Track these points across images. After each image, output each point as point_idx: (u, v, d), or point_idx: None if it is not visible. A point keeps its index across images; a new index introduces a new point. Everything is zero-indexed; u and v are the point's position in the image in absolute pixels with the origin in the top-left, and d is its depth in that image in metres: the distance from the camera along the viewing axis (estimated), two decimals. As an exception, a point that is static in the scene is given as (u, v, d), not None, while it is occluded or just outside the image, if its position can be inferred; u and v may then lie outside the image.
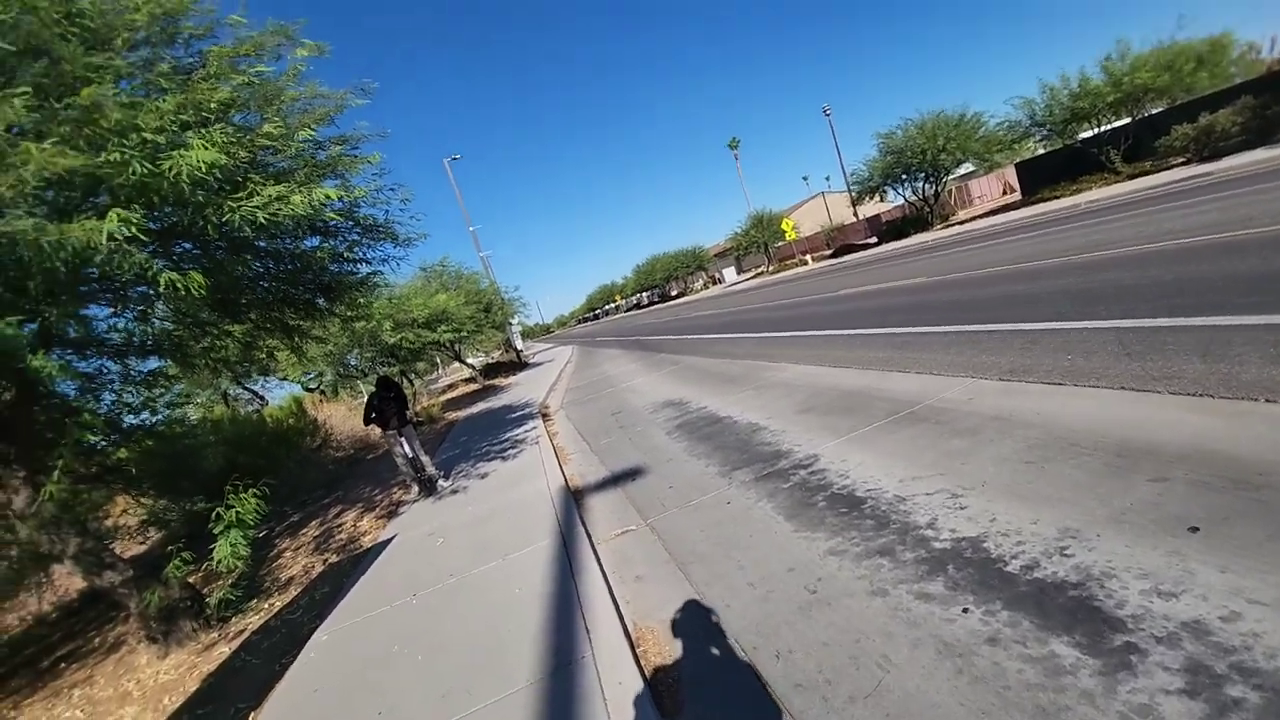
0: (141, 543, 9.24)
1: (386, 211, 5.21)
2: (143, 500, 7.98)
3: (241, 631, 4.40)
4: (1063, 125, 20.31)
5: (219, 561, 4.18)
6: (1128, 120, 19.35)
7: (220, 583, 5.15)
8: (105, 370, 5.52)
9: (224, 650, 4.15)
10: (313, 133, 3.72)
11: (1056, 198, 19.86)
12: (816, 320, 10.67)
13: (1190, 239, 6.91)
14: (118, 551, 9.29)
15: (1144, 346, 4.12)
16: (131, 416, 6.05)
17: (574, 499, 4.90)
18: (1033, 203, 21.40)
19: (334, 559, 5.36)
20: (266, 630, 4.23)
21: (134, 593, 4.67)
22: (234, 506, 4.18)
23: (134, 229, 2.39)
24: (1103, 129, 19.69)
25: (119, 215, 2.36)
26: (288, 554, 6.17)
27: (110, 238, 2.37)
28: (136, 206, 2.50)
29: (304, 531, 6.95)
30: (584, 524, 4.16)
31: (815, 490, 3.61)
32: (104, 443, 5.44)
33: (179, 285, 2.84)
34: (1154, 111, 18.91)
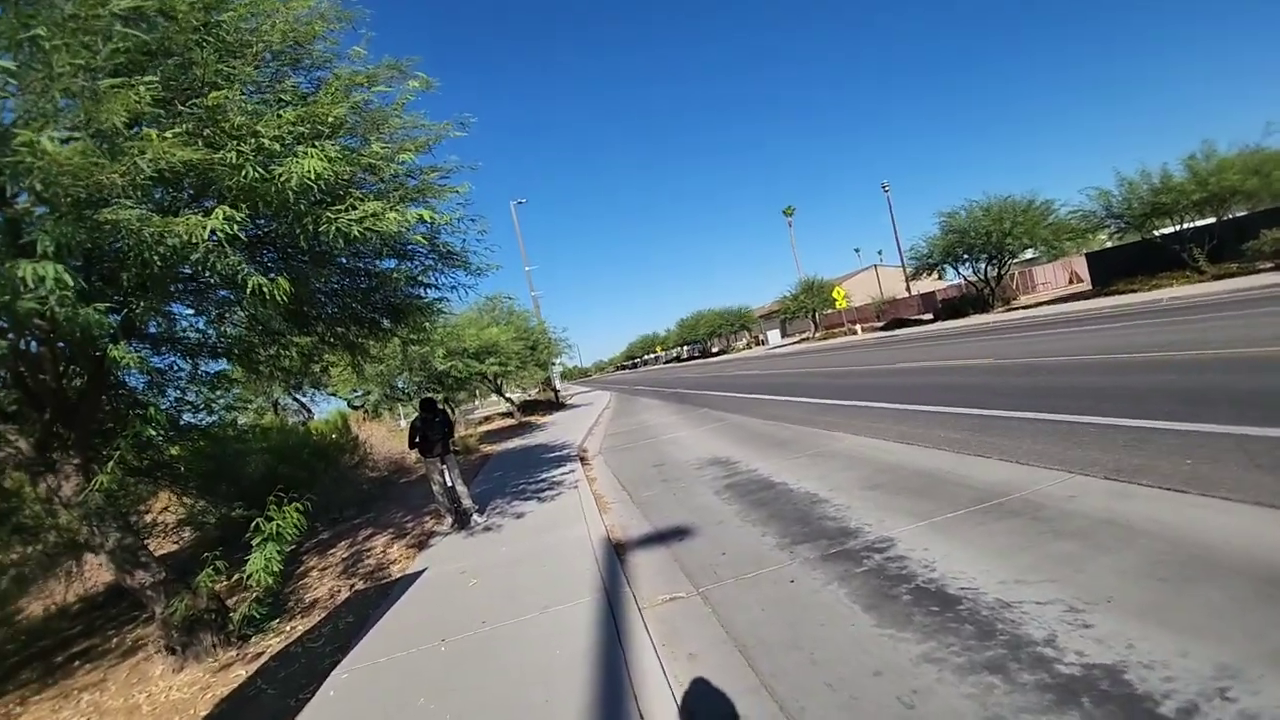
0: (175, 542, 9.30)
1: (464, 240, 5.29)
2: (185, 499, 8.07)
3: (260, 654, 4.19)
4: (1141, 219, 19.62)
5: (251, 574, 4.04)
6: (1212, 220, 18.55)
7: (245, 597, 5.00)
8: (176, 367, 5.66)
9: (240, 673, 3.94)
10: (412, 156, 3.81)
11: (1133, 291, 18.96)
12: (873, 392, 10.21)
13: (1309, 346, 6.31)
14: (151, 549, 9.38)
15: (1275, 459, 3.63)
16: (190, 415, 6.16)
17: (616, 553, 4.60)
18: (1105, 294, 20.51)
19: (361, 586, 5.15)
20: (286, 657, 4.01)
21: (161, 597, 4.56)
22: (275, 519, 4.07)
23: (235, 229, 2.41)
24: (1184, 226, 18.91)
25: (224, 213, 2.38)
26: (314, 573, 6.01)
27: (211, 234, 2.39)
28: (242, 208, 2.53)
29: (333, 551, 6.81)
30: (629, 584, 3.84)
31: (896, 580, 3.21)
32: (160, 438, 5.52)
33: (265, 290, 2.84)
34: (1239, 214, 18.10)
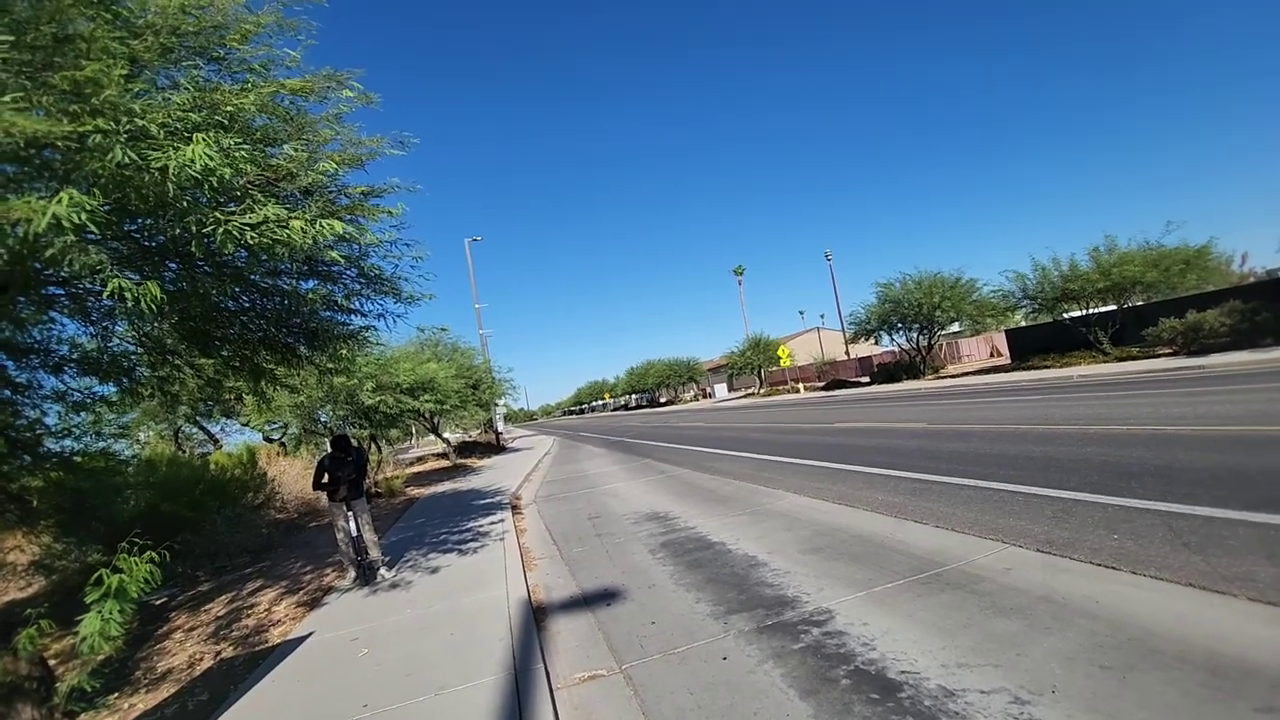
0: (23, 587, 7.95)
1: (396, 265, 4.92)
2: (38, 539, 6.93)
3: (82, 738, 3.41)
4: (1053, 302, 21.37)
5: (83, 639, 3.31)
6: (1114, 307, 20.40)
7: (81, 663, 4.15)
8: (37, 383, 4.91)
9: (48, 764, 3.17)
10: (333, 166, 3.49)
11: (1047, 367, 20.37)
12: (814, 450, 10.22)
13: (1207, 427, 6.74)
14: (-6, 593, 7.94)
15: (1200, 538, 3.68)
16: (53, 441, 5.33)
17: (535, 619, 4.13)
18: (1023, 368, 21.94)
19: (229, 653, 4.38)
20: (111, 745, 3.26)
21: (-27, 658, 3.73)
22: (121, 570, 3.39)
23: (86, 218, 1.99)
24: (1090, 311, 20.69)
25: (70, 196, 1.98)
26: (178, 634, 5.13)
27: (55, 222, 1.97)
28: (97, 192, 2.12)
29: (209, 607, 5.90)
30: (544, 659, 3.39)
31: (834, 660, 2.95)
32: (7, 466, 4.68)
33: (129, 296, 2.40)
34: (1139, 303, 20.02)
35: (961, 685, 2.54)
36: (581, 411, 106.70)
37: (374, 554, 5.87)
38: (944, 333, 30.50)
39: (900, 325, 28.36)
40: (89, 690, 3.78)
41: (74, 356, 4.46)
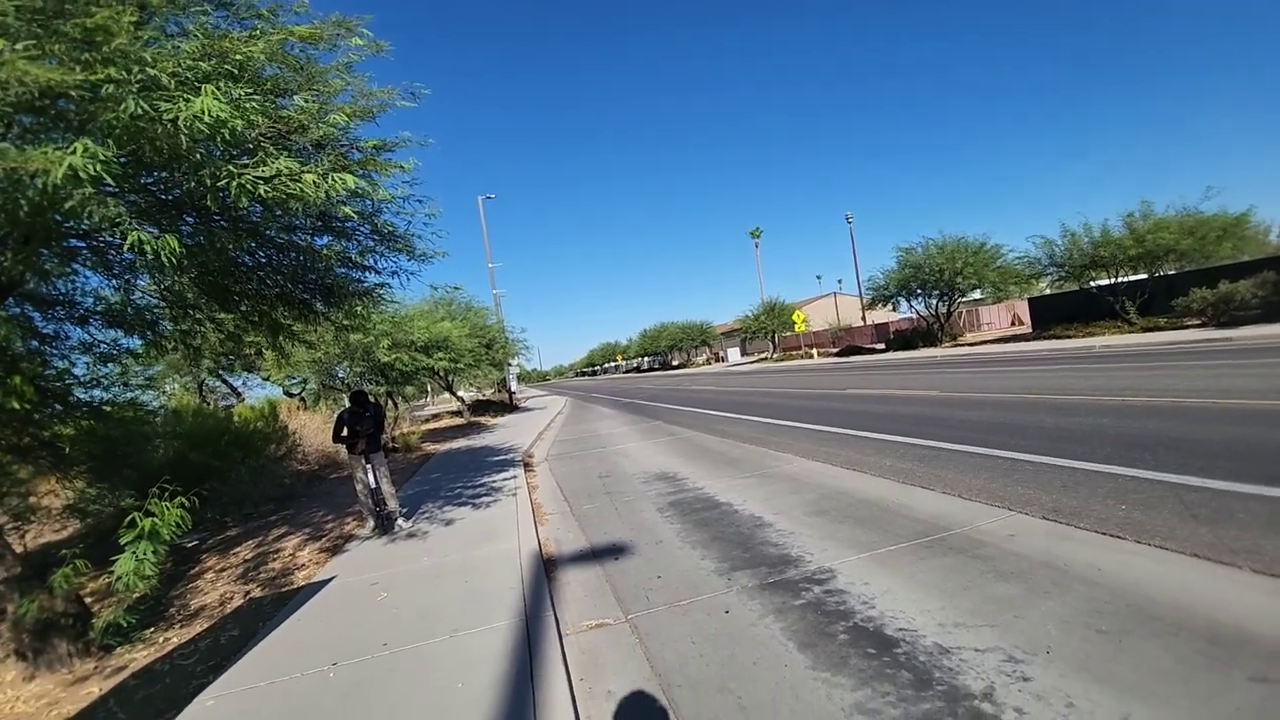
0: (58, 530, 8.38)
1: (409, 222, 4.91)
2: (71, 485, 7.26)
3: (122, 668, 3.66)
4: (1080, 270, 20.75)
5: (119, 578, 3.52)
6: (1144, 276, 19.77)
7: (116, 600, 4.41)
8: (64, 334, 5.04)
9: (94, 690, 3.42)
10: (344, 119, 3.44)
11: (1069, 337, 19.97)
12: (825, 416, 10.24)
13: (1229, 400, 6.61)
14: (30, 536, 8.38)
15: (1210, 510, 3.67)
16: (82, 391, 5.50)
17: (545, 570, 4.28)
18: (1044, 338, 21.54)
19: (258, 593, 4.63)
20: (149, 674, 3.49)
21: (14, 594, 3.98)
22: (154, 513, 3.56)
23: (100, 169, 2.00)
24: (1119, 280, 20.08)
25: (85, 147, 1.98)
26: (209, 575, 5.41)
27: (72, 173, 1.99)
28: (111, 145, 2.13)
29: (237, 550, 6.19)
30: (554, 607, 3.54)
31: (834, 616, 3.04)
32: (39, 414, 4.87)
33: (150, 248, 2.43)
34: (1170, 272, 19.36)
35: (957, 644, 2.61)
36: (594, 373, 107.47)
37: (392, 505, 6.07)
38: (964, 300, 29.89)
39: (920, 291, 27.82)
40: (125, 625, 4.03)
41: (99, 309, 4.57)
